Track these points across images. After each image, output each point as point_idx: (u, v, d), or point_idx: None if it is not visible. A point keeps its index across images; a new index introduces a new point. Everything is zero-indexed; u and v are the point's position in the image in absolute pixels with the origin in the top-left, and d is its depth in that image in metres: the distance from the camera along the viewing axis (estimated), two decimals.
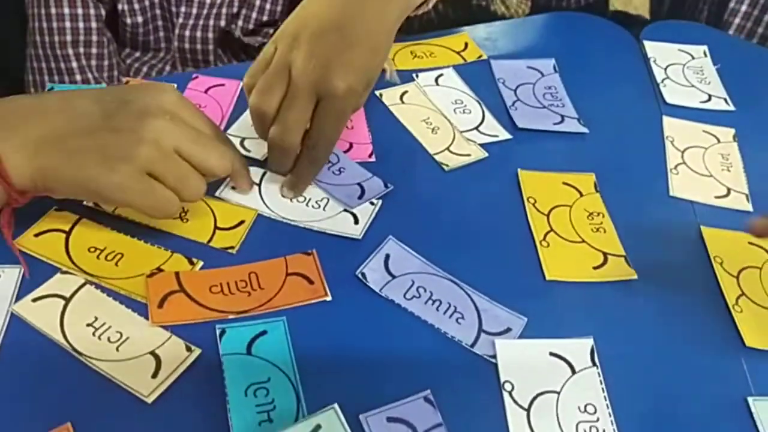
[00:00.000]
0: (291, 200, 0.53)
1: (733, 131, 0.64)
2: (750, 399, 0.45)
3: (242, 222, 0.51)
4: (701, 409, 0.45)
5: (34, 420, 0.39)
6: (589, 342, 0.46)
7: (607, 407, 0.43)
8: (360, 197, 0.54)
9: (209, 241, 0.50)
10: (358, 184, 0.55)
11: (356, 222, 0.52)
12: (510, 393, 0.44)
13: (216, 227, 0.51)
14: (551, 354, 0.46)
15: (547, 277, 0.50)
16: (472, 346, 0.46)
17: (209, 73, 0.63)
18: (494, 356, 0.45)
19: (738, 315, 0.49)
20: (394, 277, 0.49)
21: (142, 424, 0.40)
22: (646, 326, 0.49)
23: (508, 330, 0.47)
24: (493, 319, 0.47)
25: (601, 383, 0.44)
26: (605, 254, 0.52)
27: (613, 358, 0.46)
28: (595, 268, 0.51)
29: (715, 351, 0.48)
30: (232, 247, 0.49)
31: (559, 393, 0.44)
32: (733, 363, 0.47)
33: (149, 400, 0.41)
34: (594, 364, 0.45)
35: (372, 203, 0.54)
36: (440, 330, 0.46)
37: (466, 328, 0.47)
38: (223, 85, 0.62)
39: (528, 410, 0.43)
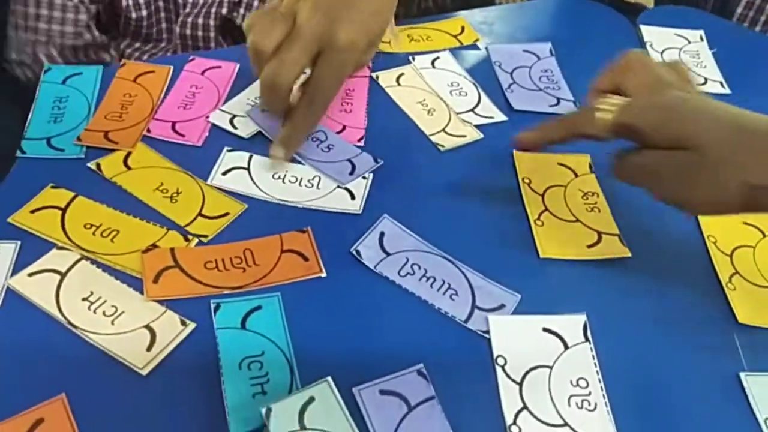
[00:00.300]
0: (283, 181, 0.53)
1: None
2: (742, 374, 0.45)
3: (226, 214, 0.50)
4: (694, 384, 0.45)
5: (30, 391, 0.40)
6: (581, 318, 0.46)
7: (599, 381, 0.44)
8: (351, 173, 0.54)
9: (187, 225, 0.49)
10: (348, 160, 0.55)
11: (353, 198, 0.52)
12: (503, 367, 0.44)
13: (200, 213, 0.50)
14: (544, 330, 0.46)
15: (541, 255, 0.50)
16: (466, 321, 0.46)
17: (206, 56, 0.63)
18: (487, 332, 0.45)
19: (731, 293, 0.49)
20: (388, 254, 0.49)
21: (136, 395, 0.40)
22: (640, 303, 0.49)
23: (502, 306, 0.47)
24: (486, 295, 0.48)
25: (593, 358, 0.45)
26: (599, 233, 0.52)
27: (606, 335, 0.46)
28: (589, 246, 0.51)
29: (707, 327, 0.48)
30: (206, 236, 0.49)
31: (551, 367, 0.44)
32: (726, 339, 0.47)
33: (144, 372, 0.41)
34: (587, 339, 0.46)
35: (364, 177, 0.54)
36: (434, 306, 0.47)
37: (460, 304, 0.47)
38: (219, 67, 0.62)
39: (521, 384, 0.43)
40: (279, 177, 0.53)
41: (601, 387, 0.43)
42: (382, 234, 0.50)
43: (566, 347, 0.45)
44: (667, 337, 0.47)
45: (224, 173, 0.53)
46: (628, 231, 0.53)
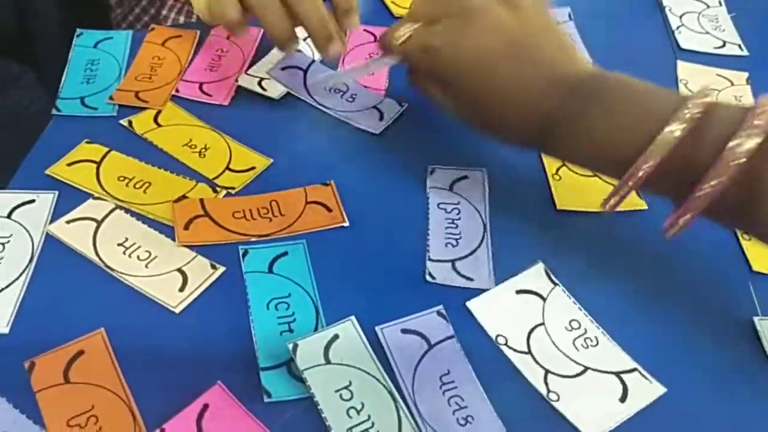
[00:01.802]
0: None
1: (746, 75, 0.65)
2: (756, 319, 0.46)
3: (252, 168, 0.52)
4: (709, 328, 0.46)
5: (70, 326, 0.42)
6: (540, 266, 0.47)
7: (585, 315, 0.45)
8: (381, 119, 0.56)
9: (215, 177, 0.51)
10: (375, 107, 0.57)
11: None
12: (507, 345, 0.44)
13: (227, 167, 0.52)
14: (518, 292, 0.46)
15: (558, 207, 0.52)
16: None
17: None
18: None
19: (746, 242, 0.50)
20: None
21: (170, 331, 0.42)
22: (656, 253, 0.50)
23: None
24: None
25: (569, 298, 0.46)
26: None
27: (622, 282, 0.47)
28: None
29: (722, 275, 0.49)
30: (233, 188, 0.51)
31: (543, 323, 0.45)
32: (740, 286, 0.48)
33: (177, 311, 0.43)
34: (554, 283, 0.47)
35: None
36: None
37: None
38: None
39: (530, 353, 0.43)
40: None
41: (591, 320, 0.45)
42: None
43: (544, 299, 0.46)
44: (682, 285, 0.48)
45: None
46: None
